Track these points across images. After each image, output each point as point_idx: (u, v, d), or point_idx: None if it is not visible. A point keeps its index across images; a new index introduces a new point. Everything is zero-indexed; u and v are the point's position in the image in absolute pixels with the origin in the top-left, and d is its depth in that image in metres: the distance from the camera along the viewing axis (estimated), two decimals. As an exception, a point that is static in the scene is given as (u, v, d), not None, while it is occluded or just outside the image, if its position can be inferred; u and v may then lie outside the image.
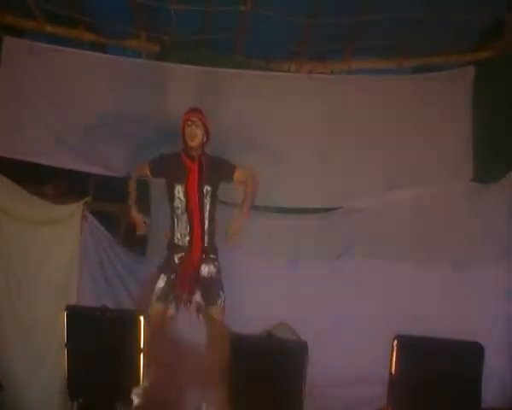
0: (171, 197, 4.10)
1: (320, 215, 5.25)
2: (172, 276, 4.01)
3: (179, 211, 4.07)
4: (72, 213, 4.70)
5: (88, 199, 4.84)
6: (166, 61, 5.18)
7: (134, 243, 5.12)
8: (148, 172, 4.21)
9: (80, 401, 3.29)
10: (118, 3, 4.73)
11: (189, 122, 4.09)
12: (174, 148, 4.91)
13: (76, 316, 3.35)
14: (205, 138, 4.14)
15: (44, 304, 4.49)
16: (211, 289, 4.04)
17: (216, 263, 4.10)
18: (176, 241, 4.08)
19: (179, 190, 4.06)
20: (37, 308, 4.51)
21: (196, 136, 4.07)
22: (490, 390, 3.93)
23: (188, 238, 4.04)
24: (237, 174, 4.17)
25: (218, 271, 4.10)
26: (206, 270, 4.06)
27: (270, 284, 4.81)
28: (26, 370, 4.47)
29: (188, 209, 4.05)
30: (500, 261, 4.88)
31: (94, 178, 5.18)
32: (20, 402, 4.41)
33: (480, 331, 4.23)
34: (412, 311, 4.67)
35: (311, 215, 5.23)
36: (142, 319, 3.30)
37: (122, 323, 3.34)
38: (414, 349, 2.99)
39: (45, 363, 4.48)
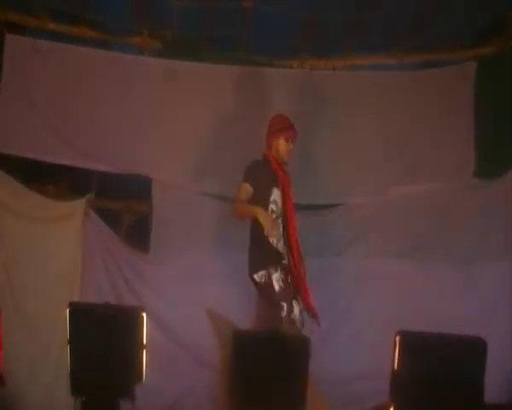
0: (265, 200, 4.00)
1: (320, 212, 5.24)
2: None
3: (274, 215, 4.01)
4: (75, 210, 4.71)
5: (90, 196, 4.84)
6: (169, 57, 5.17)
7: (136, 240, 5.14)
8: (249, 190, 4.01)
9: (83, 398, 3.30)
10: (120, 0, 4.72)
11: (289, 139, 4.10)
12: (175, 143, 4.92)
13: (79, 313, 3.35)
14: None
15: (47, 301, 4.49)
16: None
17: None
18: (272, 243, 3.97)
19: (276, 193, 4.03)
20: (40, 305, 4.52)
21: (291, 153, 4.13)
22: (493, 386, 3.92)
23: (282, 242, 4.00)
24: None
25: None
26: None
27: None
28: (29, 368, 4.47)
29: (284, 214, 4.03)
30: (503, 258, 4.86)
31: (97, 175, 5.17)
32: (21, 400, 4.41)
33: (482, 328, 4.23)
34: (413, 309, 4.65)
35: (311, 212, 5.21)
36: (144, 315, 3.31)
37: (125, 319, 3.35)
38: (416, 345, 2.98)
39: (48, 361, 4.48)
